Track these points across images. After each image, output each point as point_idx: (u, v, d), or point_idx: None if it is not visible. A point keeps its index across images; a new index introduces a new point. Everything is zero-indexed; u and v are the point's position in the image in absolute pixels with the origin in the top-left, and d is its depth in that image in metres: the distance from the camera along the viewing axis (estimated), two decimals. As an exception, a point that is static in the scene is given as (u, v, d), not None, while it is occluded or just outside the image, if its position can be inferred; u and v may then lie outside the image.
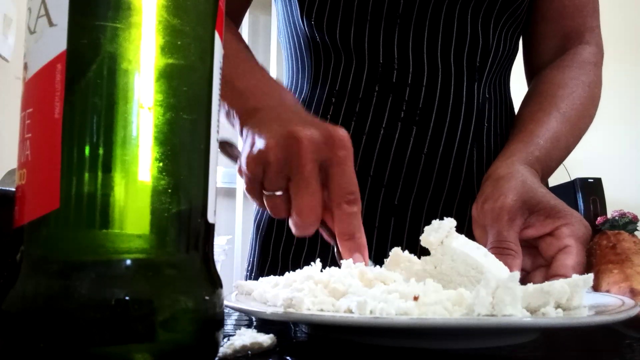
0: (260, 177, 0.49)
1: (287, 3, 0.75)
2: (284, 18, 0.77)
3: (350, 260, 0.47)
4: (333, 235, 0.49)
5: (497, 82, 0.76)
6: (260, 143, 0.48)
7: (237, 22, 0.77)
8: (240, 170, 0.51)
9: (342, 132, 0.47)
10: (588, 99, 0.69)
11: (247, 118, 0.54)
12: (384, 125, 0.70)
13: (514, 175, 0.57)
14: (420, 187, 0.70)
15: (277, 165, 0.47)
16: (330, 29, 0.71)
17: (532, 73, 0.77)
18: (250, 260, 0.77)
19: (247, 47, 0.68)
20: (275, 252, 0.73)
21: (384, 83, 0.70)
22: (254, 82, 0.58)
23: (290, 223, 0.49)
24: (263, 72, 0.61)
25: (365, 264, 0.46)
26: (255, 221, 0.78)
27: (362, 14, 0.69)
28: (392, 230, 0.70)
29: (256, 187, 0.50)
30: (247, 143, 0.51)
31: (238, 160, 0.52)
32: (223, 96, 0.54)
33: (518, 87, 0.77)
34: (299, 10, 0.73)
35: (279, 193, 0.48)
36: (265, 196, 0.49)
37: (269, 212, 0.50)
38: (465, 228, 0.65)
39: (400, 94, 0.70)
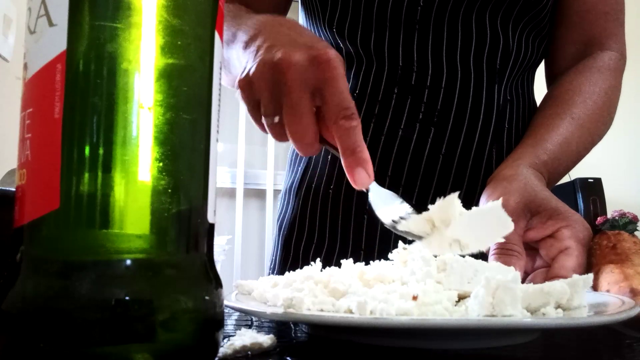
0: (256, 104, 0.49)
1: (309, 12, 0.77)
2: (307, 25, 0.79)
3: (350, 260, 0.47)
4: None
5: (519, 85, 0.75)
6: (250, 68, 0.49)
7: None
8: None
9: (330, 53, 0.47)
10: (604, 105, 0.69)
11: (248, 44, 0.54)
12: (402, 127, 0.70)
13: (517, 177, 0.57)
14: (437, 187, 0.70)
15: (268, 95, 0.48)
16: (352, 36, 0.73)
17: (552, 77, 0.77)
18: (273, 259, 0.80)
19: None
20: (297, 251, 0.76)
21: (403, 85, 0.71)
22: (259, 17, 0.59)
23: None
24: (268, 15, 0.62)
25: (370, 179, 0.46)
26: (277, 221, 0.81)
27: (382, 21, 0.71)
28: None
29: (255, 113, 0.50)
30: (242, 67, 0.51)
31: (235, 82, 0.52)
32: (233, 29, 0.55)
33: (544, 90, 0.76)
34: (321, 19, 0.75)
35: (276, 119, 0.48)
36: (265, 122, 0.50)
37: (271, 134, 0.50)
38: None
39: (419, 96, 0.70)
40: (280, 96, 0.47)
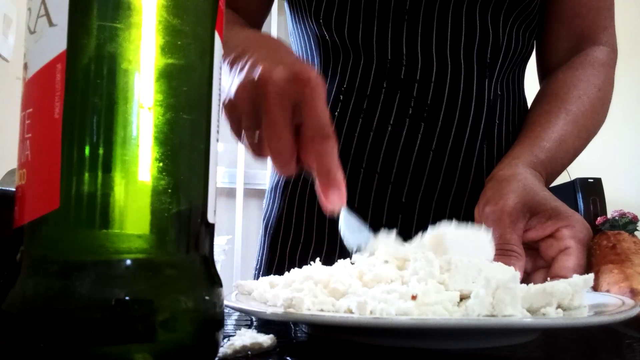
0: (238, 119, 0.50)
1: (295, 4, 0.76)
2: (293, 18, 0.78)
3: (348, 260, 0.47)
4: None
5: (510, 79, 0.75)
6: (232, 88, 0.49)
7: (259, 23, 0.81)
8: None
9: (311, 72, 0.47)
10: (598, 101, 0.69)
11: (233, 63, 0.54)
12: (391, 122, 0.69)
13: (516, 177, 0.57)
14: (428, 184, 0.69)
15: (248, 112, 0.48)
16: (339, 28, 0.71)
17: (545, 73, 0.77)
18: (258, 259, 0.78)
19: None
20: (283, 251, 0.74)
21: (392, 79, 0.70)
22: (245, 34, 0.60)
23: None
24: (256, 31, 0.65)
25: (341, 201, 0.47)
26: (263, 220, 0.79)
27: (370, 11, 0.69)
28: (399, 228, 0.69)
29: (237, 128, 0.51)
30: (227, 84, 0.52)
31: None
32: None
33: (534, 86, 0.76)
34: (306, 11, 0.73)
35: (256, 135, 0.49)
36: (245, 136, 0.50)
37: (250, 152, 0.51)
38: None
39: (409, 91, 0.69)
40: (260, 112, 0.47)
